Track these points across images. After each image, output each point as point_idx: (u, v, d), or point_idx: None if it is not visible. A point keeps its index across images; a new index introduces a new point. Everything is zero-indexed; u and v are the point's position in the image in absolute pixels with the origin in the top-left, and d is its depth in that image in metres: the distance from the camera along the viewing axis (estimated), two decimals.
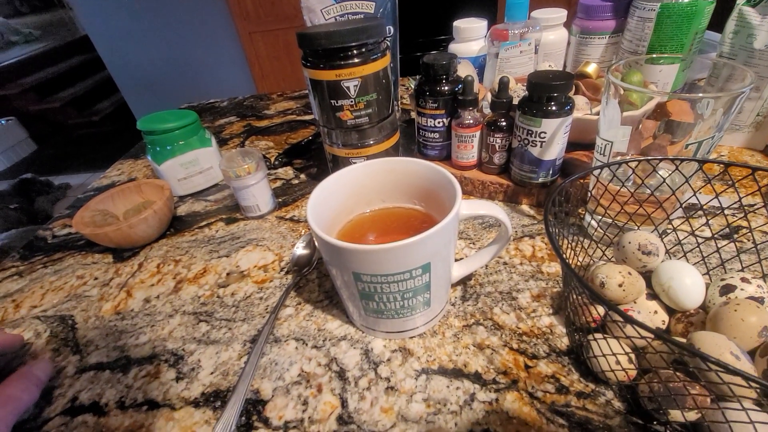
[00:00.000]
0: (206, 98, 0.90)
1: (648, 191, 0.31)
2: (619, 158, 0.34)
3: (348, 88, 0.39)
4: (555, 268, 0.36)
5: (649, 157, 0.29)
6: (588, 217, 0.37)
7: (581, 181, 0.40)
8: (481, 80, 0.57)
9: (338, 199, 0.32)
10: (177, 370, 0.31)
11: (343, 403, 0.27)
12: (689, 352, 0.16)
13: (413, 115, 0.68)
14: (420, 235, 0.24)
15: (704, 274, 0.29)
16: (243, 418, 0.27)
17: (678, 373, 0.22)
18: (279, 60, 1.90)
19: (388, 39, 0.52)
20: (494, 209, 0.28)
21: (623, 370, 0.24)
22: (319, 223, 0.27)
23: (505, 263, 0.37)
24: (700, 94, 0.27)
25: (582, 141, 0.44)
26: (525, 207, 0.43)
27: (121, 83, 2.15)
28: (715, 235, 0.29)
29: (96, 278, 0.42)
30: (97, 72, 3.02)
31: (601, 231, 0.36)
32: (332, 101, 0.41)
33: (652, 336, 0.22)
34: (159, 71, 2.08)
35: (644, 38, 0.47)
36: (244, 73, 1.98)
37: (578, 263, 0.33)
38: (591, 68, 0.48)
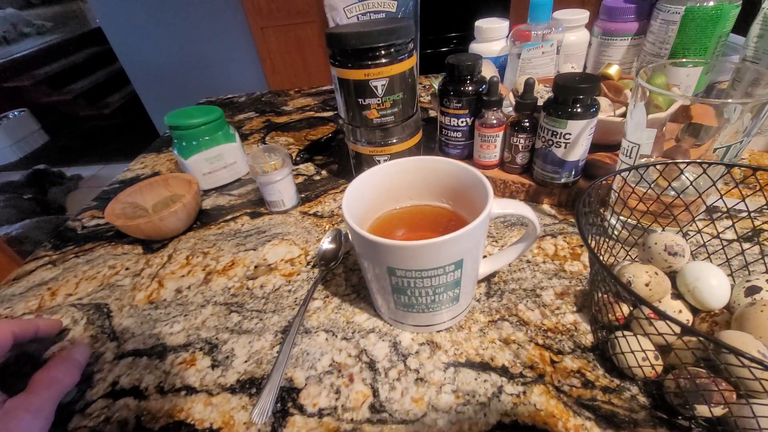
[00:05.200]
0: (218, 92, 0.91)
1: (672, 193, 0.32)
2: (644, 160, 0.34)
3: (375, 87, 0.40)
4: (577, 266, 0.36)
5: (678, 161, 0.29)
6: (612, 218, 0.38)
7: (603, 182, 0.41)
8: (501, 80, 0.58)
9: (369, 195, 0.33)
10: (212, 358, 0.32)
11: (375, 393, 0.28)
12: (725, 347, 0.17)
13: (431, 113, 0.68)
14: (456, 232, 0.24)
15: (728, 275, 0.30)
16: (278, 405, 0.28)
17: (705, 370, 0.23)
18: (290, 55, 1.90)
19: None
20: (524, 209, 0.29)
21: (651, 366, 0.25)
22: (353, 218, 0.28)
23: (528, 261, 0.37)
24: (730, 100, 0.28)
25: (604, 142, 0.44)
26: (546, 207, 0.44)
27: (133, 76, 2.16)
28: (740, 238, 0.30)
29: (127, 268, 0.43)
30: (108, 65, 3.05)
31: (625, 232, 0.36)
32: (359, 100, 0.41)
33: (683, 331, 0.22)
34: (170, 64, 2.09)
35: (667, 41, 0.48)
36: (256, 68, 1.99)
37: (603, 262, 0.34)
38: (613, 70, 0.49)
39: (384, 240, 0.25)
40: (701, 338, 0.18)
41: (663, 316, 0.20)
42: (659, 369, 0.25)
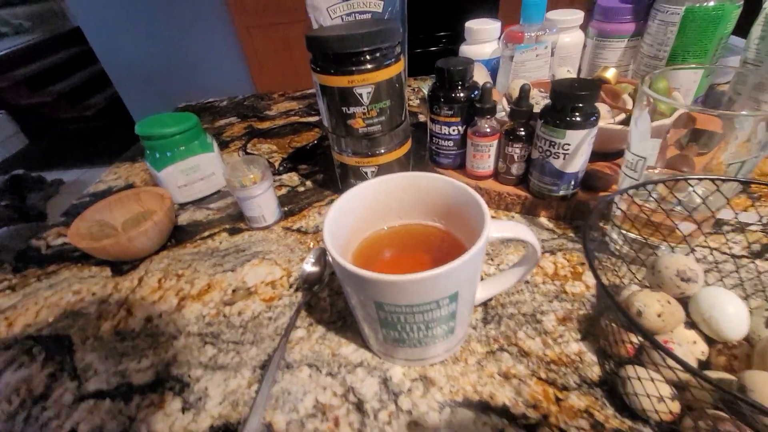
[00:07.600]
0: (202, 94, 0.87)
1: (678, 208, 0.29)
2: (647, 172, 0.32)
3: (361, 95, 0.37)
4: (579, 288, 0.34)
5: (689, 176, 0.27)
6: (614, 235, 0.36)
7: (608, 202, 0.39)
8: (494, 84, 0.55)
9: (354, 216, 0.30)
10: (183, 399, 0.29)
11: None
12: (744, 402, 0.15)
13: (421, 118, 0.66)
14: (450, 264, 0.22)
15: (743, 299, 0.27)
16: None
17: (728, 413, 0.20)
18: (278, 56, 1.86)
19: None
20: (523, 232, 0.26)
21: (668, 412, 0.22)
22: (336, 243, 0.25)
23: (526, 282, 0.35)
24: (744, 112, 0.26)
25: (603, 150, 0.42)
26: (543, 220, 0.42)
27: (115, 77, 2.10)
28: (755, 257, 0.28)
29: (93, 293, 0.39)
30: (90, 65, 2.95)
31: (626, 248, 0.34)
32: (343, 108, 0.39)
33: (699, 377, 0.20)
34: (153, 65, 2.03)
35: (666, 43, 0.46)
36: (242, 69, 1.94)
37: (606, 283, 0.32)
38: (610, 73, 0.46)
39: (370, 274, 0.22)
40: (721, 391, 0.16)
41: (675, 360, 0.17)
42: (676, 412, 0.23)
